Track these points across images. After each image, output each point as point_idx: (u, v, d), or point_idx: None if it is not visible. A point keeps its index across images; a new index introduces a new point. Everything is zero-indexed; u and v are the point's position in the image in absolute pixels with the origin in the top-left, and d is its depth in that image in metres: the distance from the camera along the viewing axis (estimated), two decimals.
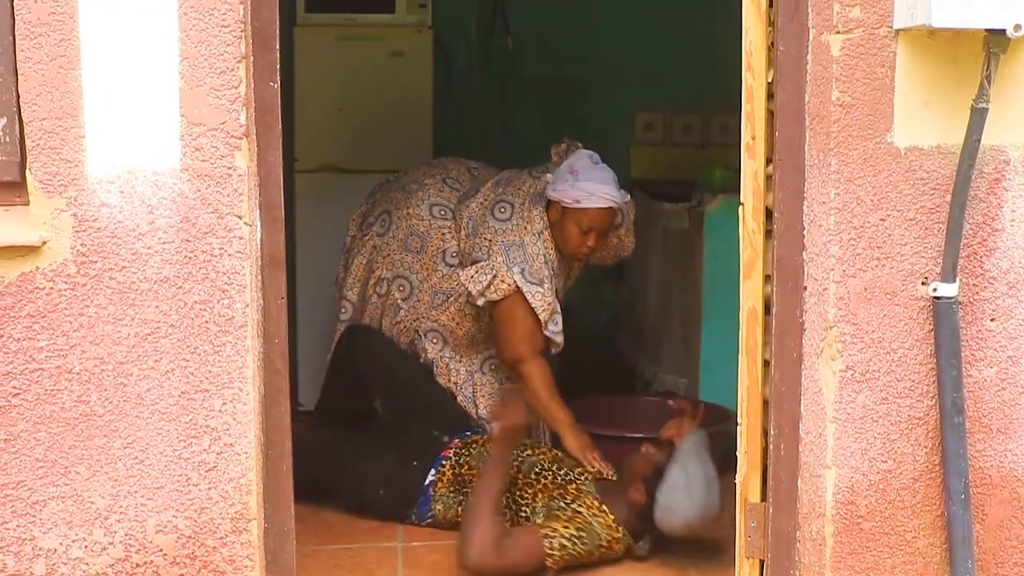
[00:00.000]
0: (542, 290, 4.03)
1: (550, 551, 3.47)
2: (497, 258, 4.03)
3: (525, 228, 4.09)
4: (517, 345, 4.09)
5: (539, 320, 4.04)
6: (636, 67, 6.16)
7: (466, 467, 3.88)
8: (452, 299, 4.20)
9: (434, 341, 4.27)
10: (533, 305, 4.02)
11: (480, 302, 4.07)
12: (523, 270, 4.03)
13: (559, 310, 4.10)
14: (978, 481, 2.88)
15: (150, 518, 2.68)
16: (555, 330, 4.09)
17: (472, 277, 4.04)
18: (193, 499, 2.69)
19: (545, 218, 4.11)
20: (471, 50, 6.06)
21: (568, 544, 3.49)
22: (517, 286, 4.01)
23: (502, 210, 4.13)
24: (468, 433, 4.04)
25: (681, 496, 3.49)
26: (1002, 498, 2.90)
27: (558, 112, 6.17)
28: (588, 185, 4.05)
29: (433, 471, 3.92)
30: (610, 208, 4.09)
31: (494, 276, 4.03)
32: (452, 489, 3.88)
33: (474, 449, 3.91)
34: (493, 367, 4.33)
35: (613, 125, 6.26)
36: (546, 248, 4.10)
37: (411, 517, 3.91)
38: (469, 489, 3.76)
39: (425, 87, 5.36)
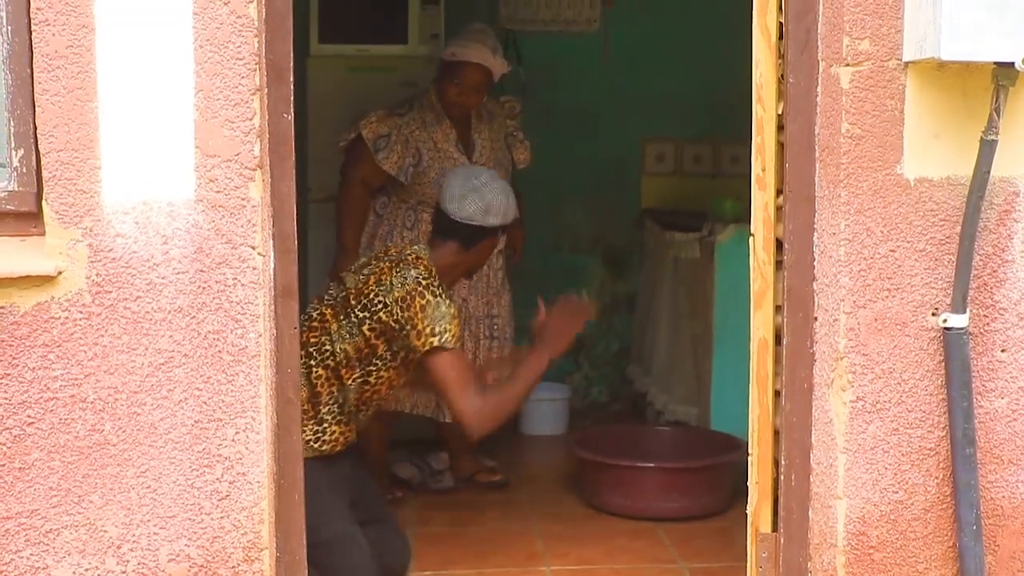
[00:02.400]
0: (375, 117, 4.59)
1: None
2: None
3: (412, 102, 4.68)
4: (348, 171, 4.66)
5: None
6: (647, 97, 6.18)
7: None
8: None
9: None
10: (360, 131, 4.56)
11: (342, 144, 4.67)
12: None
13: (402, 148, 4.57)
14: (990, 512, 2.87)
15: (163, 547, 2.69)
16: (385, 161, 4.56)
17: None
18: (206, 528, 2.70)
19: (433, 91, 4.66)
20: None
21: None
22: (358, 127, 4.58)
23: None
24: None
25: None
26: (1014, 529, 2.90)
27: (570, 141, 6.20)
28: (463, 41, 4.56)
29: None
30: (479, 66, 4.53)
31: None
32: None
33: None
34: None
35: (624, 154, 6.28)
36: (423, 113, 4.61)
37: None
38: None
39: None
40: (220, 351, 2.67)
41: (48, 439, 2.64)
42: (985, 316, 2.84)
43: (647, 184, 6.34)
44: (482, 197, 3.64)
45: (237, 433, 2.69)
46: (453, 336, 3.44)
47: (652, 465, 4.50)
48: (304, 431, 3.34)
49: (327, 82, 5.28)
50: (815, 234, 2.89)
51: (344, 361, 3.50)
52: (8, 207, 2.64)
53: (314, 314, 3.58)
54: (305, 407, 3.40)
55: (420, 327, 3.42)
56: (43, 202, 2.62)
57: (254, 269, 2.67)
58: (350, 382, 3.51)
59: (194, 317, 2.66)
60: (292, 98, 2.76)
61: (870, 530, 2.86)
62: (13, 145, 2.63)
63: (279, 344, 2.78)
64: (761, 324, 3.00)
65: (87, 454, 2.65)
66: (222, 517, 2.70)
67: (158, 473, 2.67)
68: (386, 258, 3.61)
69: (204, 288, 2.65)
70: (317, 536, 3.13)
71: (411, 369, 3.58)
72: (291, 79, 2.76)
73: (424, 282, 3.47)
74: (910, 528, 2.87)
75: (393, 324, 3.46)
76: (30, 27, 2.58)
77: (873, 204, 2.79)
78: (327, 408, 3.50)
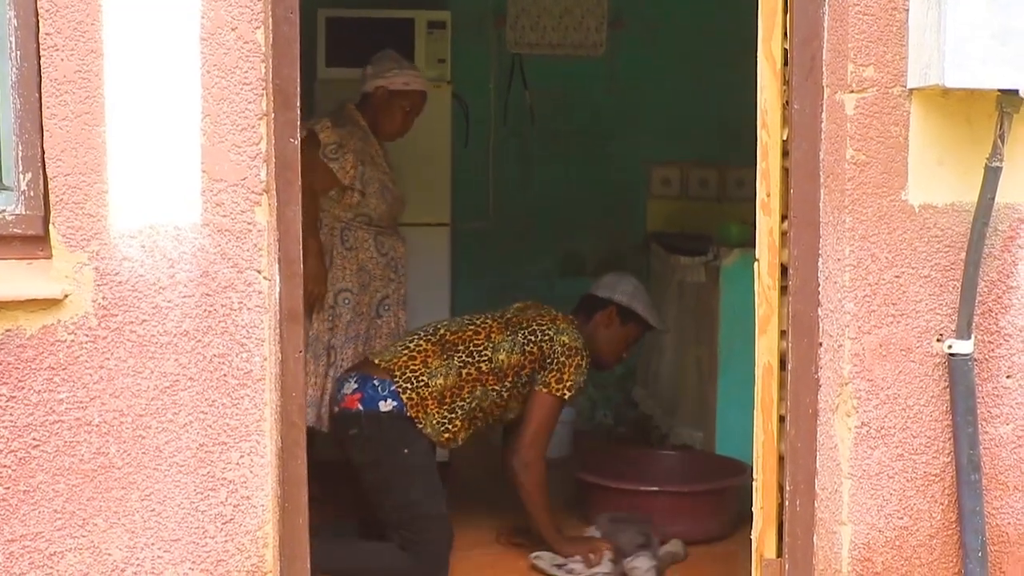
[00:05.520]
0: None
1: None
2: None
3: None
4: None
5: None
6: (653, 121, 6.20)
7: None
8: None
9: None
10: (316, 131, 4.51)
11: None
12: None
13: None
14: (995, 539, 2.87)
15: (167, 570, 2.69)
16: (340, 170, 4.55)
17: None
18: (210, 551, 2.70)
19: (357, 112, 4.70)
20: (490, 105, 6.11)
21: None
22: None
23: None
24: None
25: None
26: (1019, 556, 2.89)
27: (576, 166, 6.21)
28: (406, 70, 4.70)
29: None
30: (424, 93, 4.73)
31: None
32: None
33: None
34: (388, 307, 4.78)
35: (630, 178, 6.29)
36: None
37: None
38: None
39: (444, 141, 5.40)
40: (225, 375, 2.68)
41: (53, 462, 2.64)
42: (990, 342, 2.84)
43: (653, 208, 6.35)
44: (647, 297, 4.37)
45: (242, 457, 2.69)
46: (572, 398, 4.11)
47: (656, 488, 4.49)
48: (432, 415, 3.90)
49: (334, 105, 5.28)
50: (820, 259, 2.89)
51: (496, 369, 3.98)
52: (15, 230, 2.65)
53: (476, 320, 4.09)
54: (444, 395, 3.91)
55: (565, 375, 4.02)
56: (50, 225, 2.63)
57: (260, 293, 2.68)
58: (491, 389, 3.98)
59: (199, 341, 2.66)
60: (299, 123, 2.78)
61: (875, 556, 2.85)
62: (21, 169, 2.65)
63: (284, 368, 2.78)
64: (766, 349, 3.00)
65: (92, 477, 2.66)
66: (226, 541, 2.70)
67: (162, 496, 2.68)
68: (544, 309, 4.16)
69: (210, 312, 2.66)
70: (419, 510, 3.83)
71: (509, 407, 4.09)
72: (298, 104, 2.77)
73: (585, 352, 4.10)
74: (915, 554, 2.86)
75: (547, 356, 4.01)
76: (39, 52, 2.60)
77: (878, 230, 2.80)
78: (462, 404, 3.95)
